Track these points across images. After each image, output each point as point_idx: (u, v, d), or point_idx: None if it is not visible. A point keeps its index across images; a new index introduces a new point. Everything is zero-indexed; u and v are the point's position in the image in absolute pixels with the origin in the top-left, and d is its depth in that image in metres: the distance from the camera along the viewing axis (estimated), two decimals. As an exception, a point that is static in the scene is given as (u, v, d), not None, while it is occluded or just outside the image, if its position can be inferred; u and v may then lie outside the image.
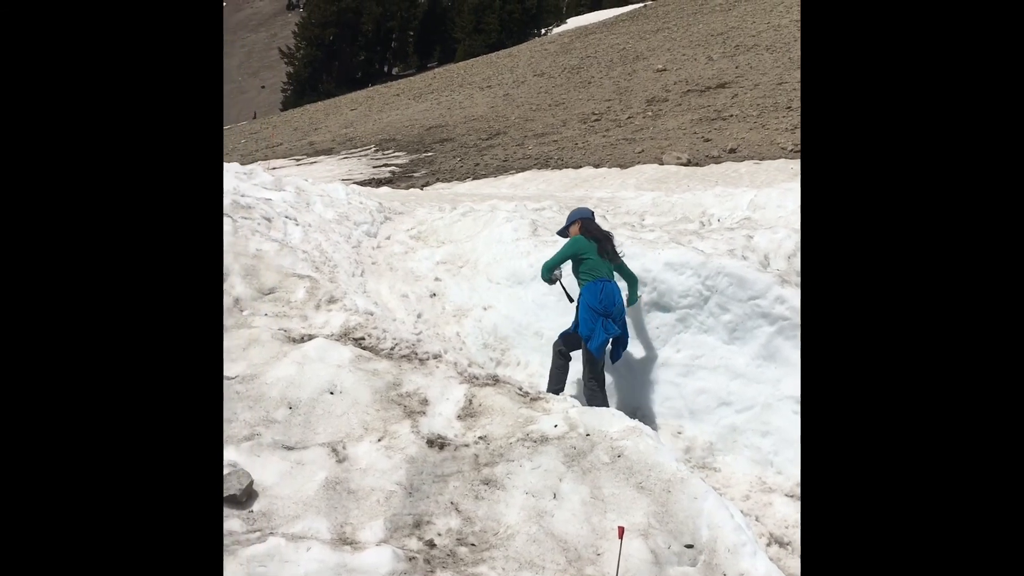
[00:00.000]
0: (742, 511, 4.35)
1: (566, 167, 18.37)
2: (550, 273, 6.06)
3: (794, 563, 4.62)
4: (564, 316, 6.27)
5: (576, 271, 6.02)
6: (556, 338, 6.04)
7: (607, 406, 5.56)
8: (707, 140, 18.40)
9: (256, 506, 3.88)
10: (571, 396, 5.47)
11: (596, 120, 23.58)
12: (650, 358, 6.21)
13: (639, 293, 6.24)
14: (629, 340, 6.06)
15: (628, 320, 6.05)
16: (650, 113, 22.97)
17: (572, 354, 5.96)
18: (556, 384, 5.92)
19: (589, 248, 6.00)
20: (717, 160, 16.49)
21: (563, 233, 6.49)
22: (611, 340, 5.79)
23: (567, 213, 6.82)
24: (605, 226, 7.15)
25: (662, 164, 16.85)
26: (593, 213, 6.49)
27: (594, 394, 5.73)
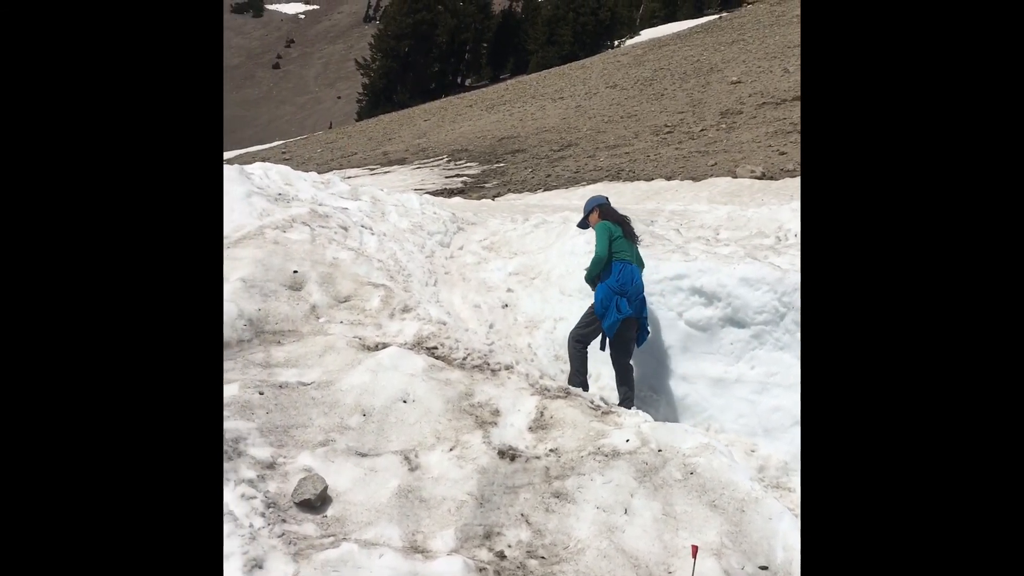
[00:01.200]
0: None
1: (637, 179, 18.26)
2: (600, 268, 6.15)
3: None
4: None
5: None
6: (572, 328, 6.22)
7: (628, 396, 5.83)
8: (782, 153, 18.10)
9: (330, 511, 3.93)
10: (640, 410, 5.43)
11: (669, 132, 23.41)
12: (724, 374, 6.13)
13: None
14: (649, 331, 6.24)
15: (649, 306, 6.25)
16: (724, 126, 22.71)
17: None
18: (579, 376, 5.93)
19: (616, 230, 6.22)
20: (792, 174, 16.20)
21: (583, 224, 6.75)
22: (635, 326, 5.96)
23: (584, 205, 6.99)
24: (678, 240, 7.09)
25: (736, 177, 16.63)
26: (608, 199, 6.70)
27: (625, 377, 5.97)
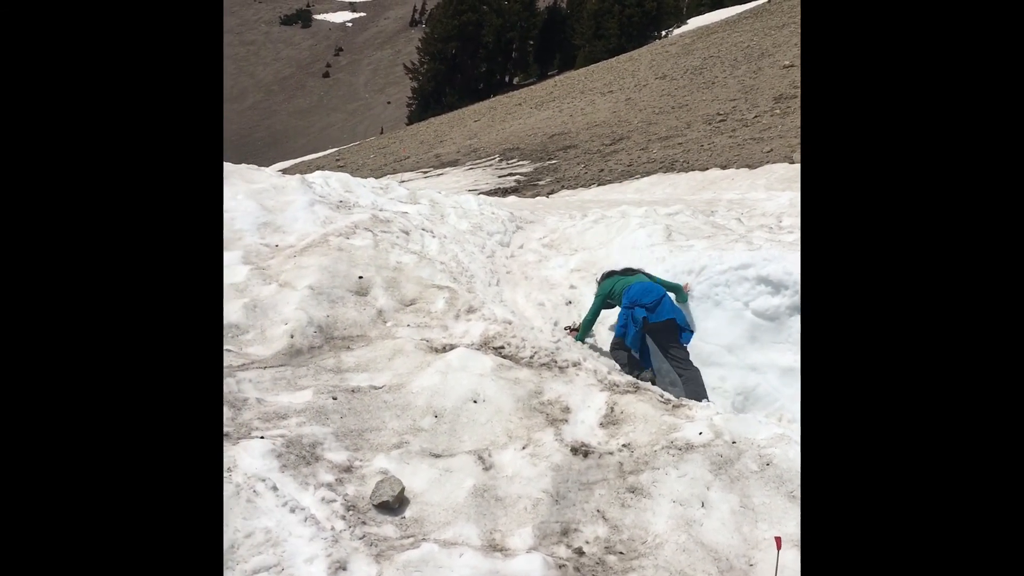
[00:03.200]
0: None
1: (692, 169, 18.10)
2: (588, 331, 6.36)
3: None
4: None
5: (616, 303, 6.29)
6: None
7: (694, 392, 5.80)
8: (840, 136, 17.76)
9: (408, 512, 3.97)
10: (711, 403, 5.39)
11: (721, 121, 23.16)
12: (794, 363, 6.05)
13: (684, 290, 6.54)
14: (689, 322, 6.26)
15: (690, 309, 6.36)
16: (778, 111, 22.39)
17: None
18: (634, 368, 5.96)
19: (612, 280, 6.34)
20: (851, 156, 15.91)
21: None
22: (665, 329, 5.94)
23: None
24: (741, 229, 7.03)
25: (792, 163, 16.38)
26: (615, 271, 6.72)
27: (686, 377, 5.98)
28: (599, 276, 6.65)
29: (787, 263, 6.16)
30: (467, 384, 4.80)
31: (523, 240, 8.23)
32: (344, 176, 8.35)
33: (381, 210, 7.52)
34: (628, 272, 6.39)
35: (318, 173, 8.23)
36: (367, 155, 37.62)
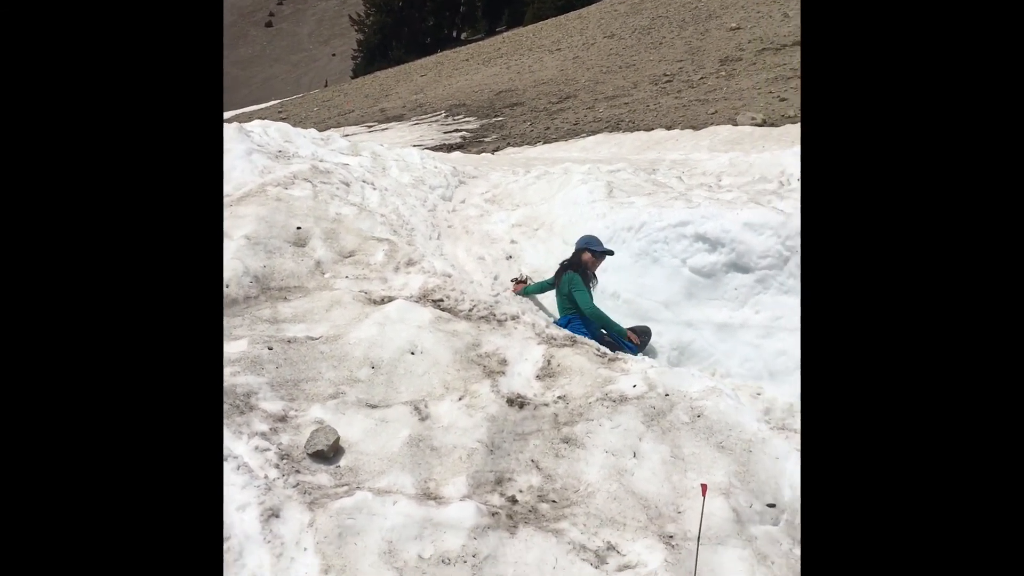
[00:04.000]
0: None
1: (638, 129, 18.13)
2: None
3: (878, 524, 4.57)
4: (641, 278, 6.26)
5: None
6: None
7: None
8: (783, 100, 17.97)
9: (343, 462, 3.98)
10: (646, 357, 5.47)
11: (668, 81, 23.20)
12: (729, 319, 6.16)
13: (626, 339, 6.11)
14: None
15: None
16: (723, 73, 22.50)
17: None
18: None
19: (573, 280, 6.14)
20: (793, 120, 16.10)
21: (574, 265, 6.28)
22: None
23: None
24: (681, 188, 7.09)
25: (736, 125, 16.51)
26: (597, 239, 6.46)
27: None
28: (564, 262, 6.29)
29: (724, 221, 6.24)
30: (405, 336, 4.80)
31: (465, 195, 8.20)
32: (284, 126, 8.20)
33: (321, 161, 7.42)
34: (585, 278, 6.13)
35: (257, 122, 8.08)
36: (310, 108, 36.95)
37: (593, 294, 5.98)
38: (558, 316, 6.07)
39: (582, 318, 5.84)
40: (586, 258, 6.18)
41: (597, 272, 6.18)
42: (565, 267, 6.18)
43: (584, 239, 6.30)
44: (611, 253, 6.27)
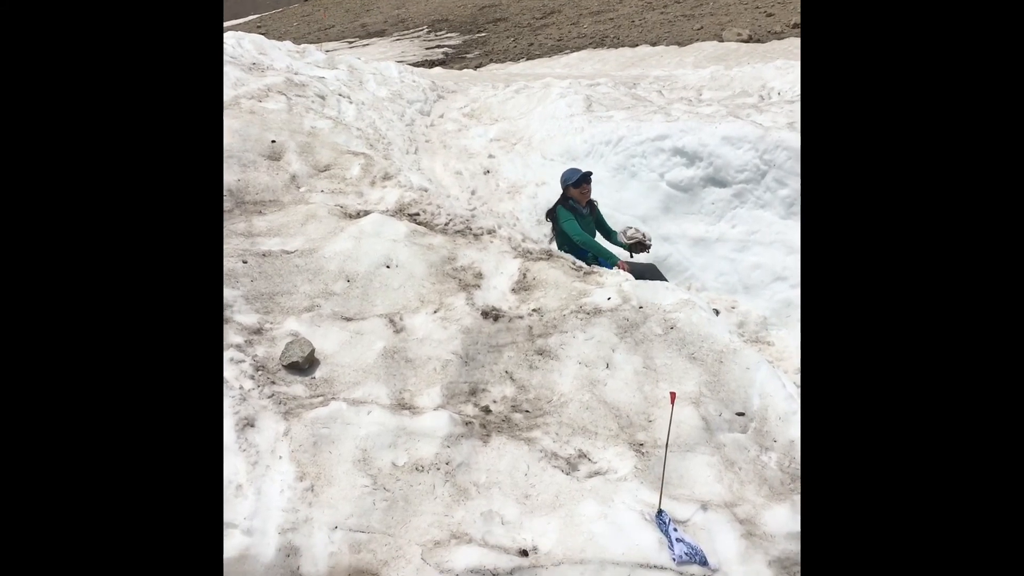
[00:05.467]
0: (795, 383, 4.38)
1: (622, 46, 17.88)
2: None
3: (845, 433, 4.66)
4: (619, 192, 6.23)
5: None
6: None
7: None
8: (769, 15, 17.72)
9: (318, 373, 4.00)
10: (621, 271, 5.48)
11: (654, -5, 22.78)
12: (706, 234, 6.16)
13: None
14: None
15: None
16: (710, -13, 22.08)
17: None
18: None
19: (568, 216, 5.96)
20: (779, 36, 15.91)
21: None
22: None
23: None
24: (660, 101, 7.01)
25: (722, 41, 16.30)
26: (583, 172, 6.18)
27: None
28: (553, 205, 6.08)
29: (703, 135, 6.19)
30: (380, 249, 4.78)
31: (444, 109, 8.09)
32: (258, 38, 8.02)
33: (296, 74, 7.28)
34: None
35: (230, 33, 7.89)
36: (290, 23, 36.15)
37: (595, 219, 5.91)
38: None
39: (575, 249, 5.77)
40: (573, 193, 5.95)
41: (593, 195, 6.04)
42: (553, 209, 6.03)
43: (562, 178, 6.02)
44: (589, 173, 6.01)
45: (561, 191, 6.01)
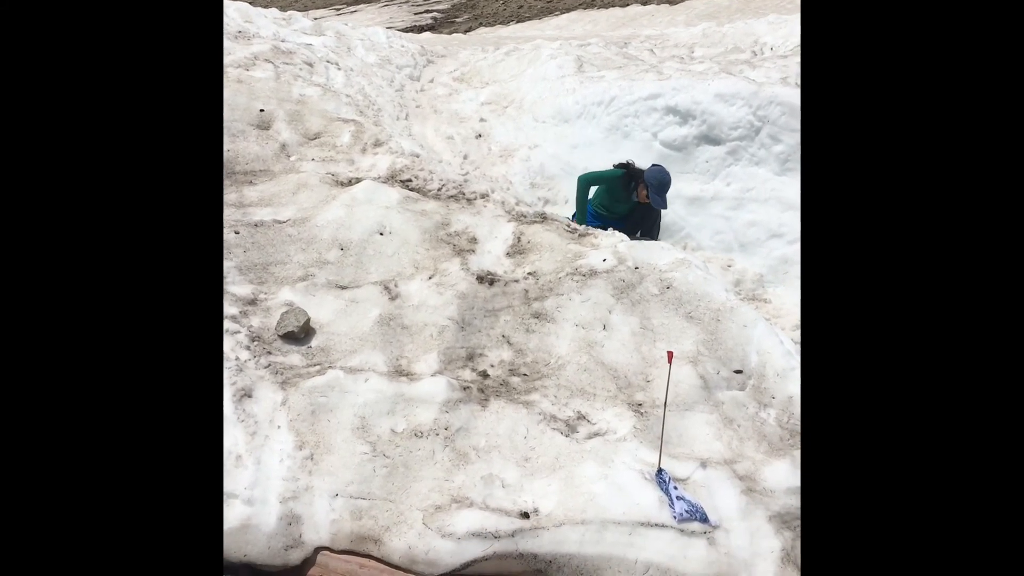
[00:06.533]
0: (792, 340, 4.37)
1: (612, 6, 17.71)
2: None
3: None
4: (612, 154, 6.18)
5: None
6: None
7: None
8: (761, -31, 17.49)
9: (314, 342, 3.99)
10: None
11: (643, -47, 22.49)
12: (700, 192, 6.13)
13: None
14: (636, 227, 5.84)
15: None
16: (701, -57, 21.80)
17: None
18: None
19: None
20: (771, -10, 15.74)
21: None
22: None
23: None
24: (652, 60, 6.94)
25: (713, -3, 16.13)
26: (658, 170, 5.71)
27: None
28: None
29: (695, 92, 6.13)
30: (373, 216, 4.75)
31: (433, 74, 8.01)
32: (243, 5, 7.91)
33: (283, 41, 7.19)
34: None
35: (214, 2, 7.78)
36: (276, -9, 35.68)
37: (637, 214, 5.77)
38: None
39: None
40: (643, 194, 5.63)
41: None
42: (624, 175, 5.73)
43: (654, 174, 5.57)
44: (664, 207, 5.64)
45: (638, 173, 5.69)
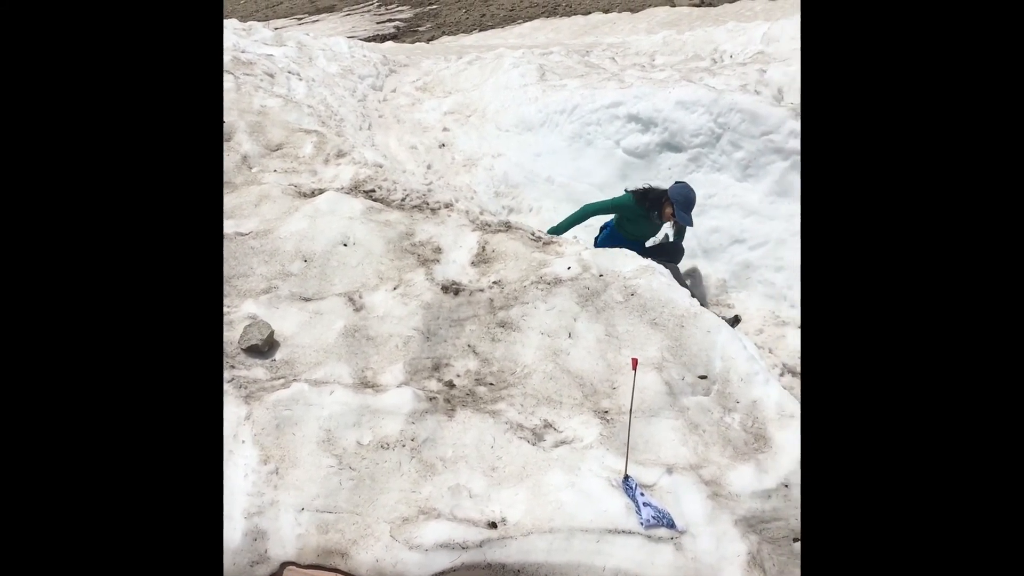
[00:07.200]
0: (756, 344, 4.41)
1: (575, 14, 17.81)
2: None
3: (806, 391, 4.71)
4: (576, 161, 6.21)
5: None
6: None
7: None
8: (720, -22, 17.68)
9: (279, 355, 3.96)
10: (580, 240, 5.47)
11: (604, -38, 22.64)
12: (663, 199, 6.17)
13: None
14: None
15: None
16: (661, -48, 22.00)
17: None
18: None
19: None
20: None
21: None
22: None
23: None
24: (614, 68, 6.98)
25: (674, 6, 16.29)
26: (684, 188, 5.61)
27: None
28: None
29: (657, 100, 6.18)
30: (337, 227, 4.73)
31: (396, 84, 8.00)
32: (202, 17, 7.84)
33: (243, 52, 7.15)
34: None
35: (173, 13, 7.71)
36: (237, 1, 35.47)
37: (646, 230, 5.74)
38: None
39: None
40: (668, 212, 5.56)
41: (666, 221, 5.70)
42: (643, 199, 5.64)
43: (679, 190, 5.52)
44: (690, 224, 5.51)
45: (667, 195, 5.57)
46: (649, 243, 5.83)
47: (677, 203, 5.44)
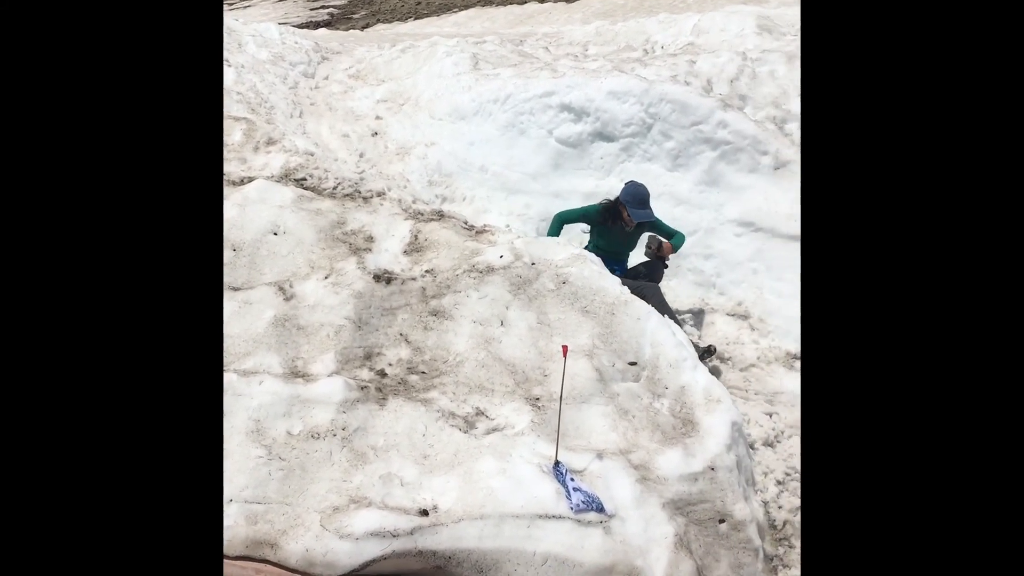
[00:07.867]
0: (685, 330, 4.49)
1: (511, 3, 17.80)
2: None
3: (734, 376, 4.82)
4: (509, 150, 6.23)
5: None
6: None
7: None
8: (654, -31, 17.83)
9: (206, 345, 3.90)
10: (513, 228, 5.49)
11: (540, -48, 22.66)
12: (596, 188, 6.23)
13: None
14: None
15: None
16: (596, -58, 22.09)
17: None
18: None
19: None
20: (664, -11, 16.08)
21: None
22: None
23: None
24: (547, 58, 7.00)
25: (609, -5, 16.39)
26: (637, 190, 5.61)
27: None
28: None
29: (589, 90, 6.23)
30: (266, 216, 4.67)
31: (329, 71, 7.92)
32: None
33: (170, 38, 6.99)
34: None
35: (96, -3, 7.51)
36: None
37: (619, 242, 5.71)
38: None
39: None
40: (624, 215, 5.52)
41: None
42: (605, 212, 5.63)
43: (627, 190, 5.54)
44: (651, 218, 5.55)
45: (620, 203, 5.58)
46: (631, 259, 5.79)
47: (628, 203, 5.47)
